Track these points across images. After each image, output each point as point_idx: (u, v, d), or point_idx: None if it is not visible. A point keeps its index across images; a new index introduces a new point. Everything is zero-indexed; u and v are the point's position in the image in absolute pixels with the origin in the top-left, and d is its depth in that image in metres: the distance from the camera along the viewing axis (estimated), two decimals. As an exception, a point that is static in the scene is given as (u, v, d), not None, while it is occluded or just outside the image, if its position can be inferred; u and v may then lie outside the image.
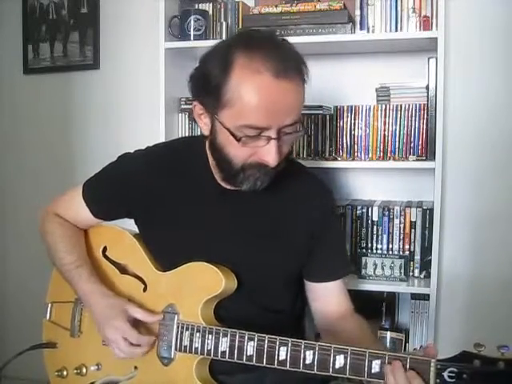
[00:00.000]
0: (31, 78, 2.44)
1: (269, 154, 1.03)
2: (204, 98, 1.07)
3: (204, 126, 1.11)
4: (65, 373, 1.27)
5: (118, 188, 1.24)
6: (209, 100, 1.05)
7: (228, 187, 1.17)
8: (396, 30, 1.78)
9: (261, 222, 1.19)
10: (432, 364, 0.89)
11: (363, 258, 1.81)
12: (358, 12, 1.81)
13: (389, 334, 1.71)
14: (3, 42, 2.47)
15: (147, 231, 1.26)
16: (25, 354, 1.27)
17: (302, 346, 1.00)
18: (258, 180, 1.08)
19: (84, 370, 1.23)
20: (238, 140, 1.02)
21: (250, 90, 0.99)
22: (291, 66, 1.01)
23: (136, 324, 1.15)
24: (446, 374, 0.88)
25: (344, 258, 1.34)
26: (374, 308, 1.88)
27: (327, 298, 1.26)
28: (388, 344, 1.71)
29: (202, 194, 1.20)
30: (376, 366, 0.94)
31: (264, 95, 0.99)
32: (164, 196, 1.21)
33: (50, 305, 1.34)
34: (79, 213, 1.29)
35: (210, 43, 1.90)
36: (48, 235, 1.30)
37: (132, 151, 1.28)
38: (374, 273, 1.79)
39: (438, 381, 0.89)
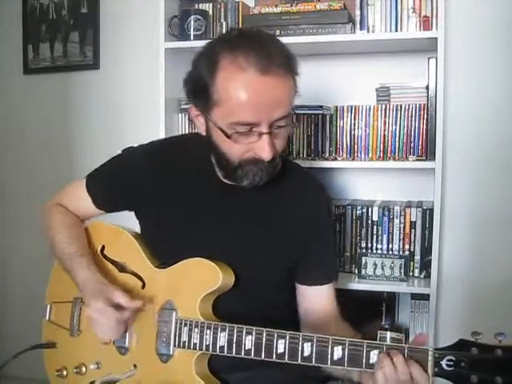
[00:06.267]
0: (31, 78, 2.44)
1: (262, 149, 1.06)
2: (196, 100, 1.10)
3: (201, 126, 1.14)
4: (65, 372, 1.26)
5: (121, 181, 1.25)
6: (200, 101, 1.08)
7: (230, 183, 1.18)
8: (396, 30, 1.78)
9: (260, 218, 1.21)
10: (430, 353, 0.90)
11: (363, 258, 1.81)
12: (358, 12, 1.81)
13: (389, 334, 1.70)
14: (3, 41, 2.47)
15: (147, 225, 1.27)
16: (25, 354, 1.27)
17: (300, 339, 1.00)
18: (257, 176, 1.10)
19: (83, 369, 1.23)
20: (229, 137, 1.05)
21: (236, 88, 1.01)
22: (275, 60, 1.02)
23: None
24: (444, 363, 0.89)
25: (334, 263, 1.35)
26: (374, 308, 1.88)
27: (315, 301, 1.26)
28: (388, 344, 1.70)
29: (203, 190, 1.21)
30: (374, 356, 0.95)
31: (250, 91, 1.01)
32: (165, 191, 1.22)
33: (49, 305, 1.34)
34: (81, 203, 1.31)
35: (210, 43, 1.94)
36: (50, 225, 1.30)
37: (136, 145, 1.30)
38: (374, 273, 1.79)
39: (436, 369, 0.89)
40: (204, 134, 1.14)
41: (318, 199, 1.28)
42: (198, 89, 1.07)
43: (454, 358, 0.88)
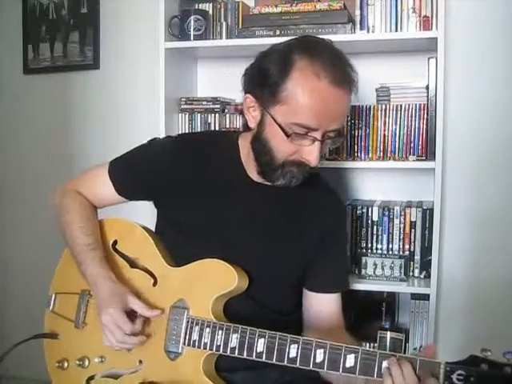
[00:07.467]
0: (31, 78, 2.44)
1: (311, 154, 1.09)
2: (259, 93, 1.12)
3: (252, 118, 1.15)
4: (66, 364, 1.26)
5: (145, 170, 1.26)
6: (264, 95, 1.10)
7: (258, 180, 1.20)
8: (396, 30, 1.78)
9: (280, 220, 1.23)
10: (441, 366, 0.92)
11: (363, 258, 1.80)
12: (357, 12, 1.81)
13: (389, 334, 1.70)
14: (3, 41, 2.47)
15: (166, 217, 1.28)
16: (24, 354, 1.27)
17: (313, 345, 1.01)
18: (294, 177, 1.13)
19: (86, 362, 1.23)
20: (288, 136, 1.07)
21: (307, 92, 1.05)
22: (346, 76, 1.07)
23: (133, 316, 1.15)
24: (454, 377, 0.90)
25: (345, 272, 1.37)
26: (373, 308, 1.88)
27: (322, 309, 1.27)
28: (388, 344, 1.70)
29: (227, 187, 1.22)
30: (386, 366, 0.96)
31: (319, 99, 1.05)
32: (189, 184, 1.23)
33: (53, 295, 1.33)
34: (101, 189, 1.31)
35: (210, 43, 1.95)
36: (66, 211, 1.29)
37: (161, 137, 1.31)
38: (374, 273, 1.79)
39: (446, 383, 0.91)
40: (253, 126, 1.15)
41: (337, 209, 1.31)
42: (265, 82, 1.09)
43: (464, 373, 0.90)
